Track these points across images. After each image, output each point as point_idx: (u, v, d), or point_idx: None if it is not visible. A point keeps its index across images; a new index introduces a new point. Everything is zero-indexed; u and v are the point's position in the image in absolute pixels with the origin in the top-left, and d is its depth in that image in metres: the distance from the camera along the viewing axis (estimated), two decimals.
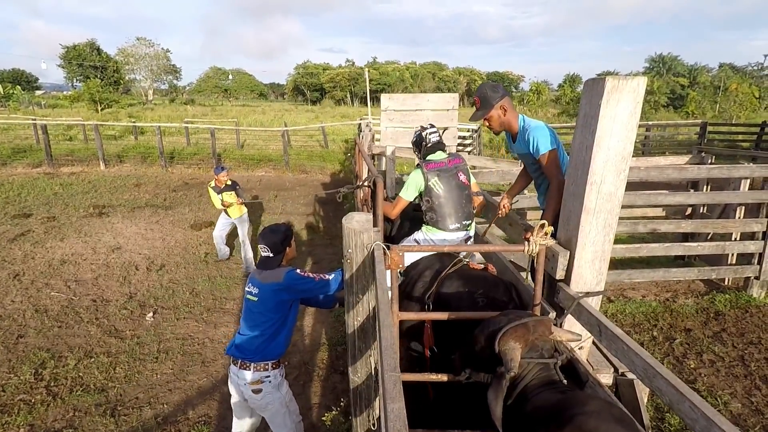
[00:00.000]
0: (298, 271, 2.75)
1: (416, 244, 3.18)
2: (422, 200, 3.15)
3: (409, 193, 3.17)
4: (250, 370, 2.66)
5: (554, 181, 2.66)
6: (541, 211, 2.95)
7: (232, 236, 7.35)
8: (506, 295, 2.51)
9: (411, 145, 3.46)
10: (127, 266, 6.76)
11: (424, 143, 3.26)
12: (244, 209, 6.86)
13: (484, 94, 2.79)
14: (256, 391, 2.67)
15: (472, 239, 3.26)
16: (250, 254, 6.76)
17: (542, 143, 2.68)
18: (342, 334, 4.79)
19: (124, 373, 4.28)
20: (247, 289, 2.81)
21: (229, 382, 2.82)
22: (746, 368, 4.03)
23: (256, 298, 2.72)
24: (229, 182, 6.70)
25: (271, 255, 2.77)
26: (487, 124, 2.87)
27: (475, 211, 3.37)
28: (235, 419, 2.96)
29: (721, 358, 4.20)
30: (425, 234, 3.17)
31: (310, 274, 2.77)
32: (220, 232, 6.92)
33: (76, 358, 4.45)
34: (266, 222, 8.98)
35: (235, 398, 2.86)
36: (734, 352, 4.28)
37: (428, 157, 3.22)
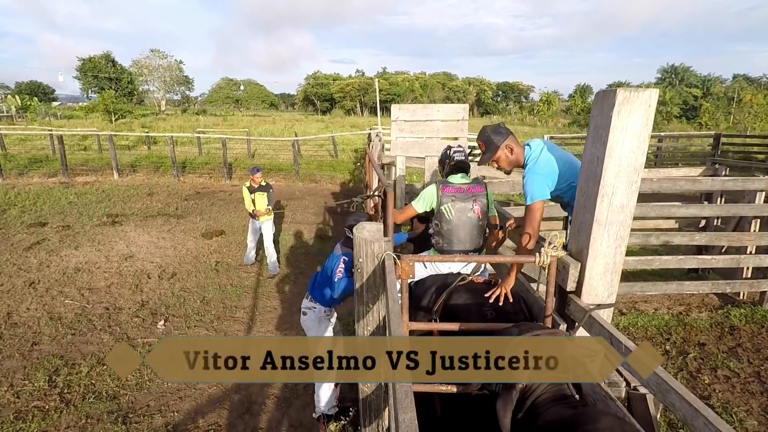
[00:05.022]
0: (344, 260, 3.38)
1: (424, 268, 3.12)
2: (432, 222, 3.12)
3: (418, 205, 3.16)
4: (307, 299, 3.68)
5: (525, 230, 2.57)
6: (556, 222, 2.93)
7: (259, 242, 7.48)
8: (514, 307, 2.50)
9: (436, 163, 3.49)
10: (139, 274, 6.83)
11: (447, 161, 3.22)
12: (271, 214, 7.13)
13: (487, 137, 2.72)
14: (304, 314, 3.68)
15: (481, 271, 3.02)
16: (274, 257, 7.09)
17: (527, 194, 2.58)
18: None
19: (136, 380, 4.31)
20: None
21: None
22: (762, 385, 3.95)
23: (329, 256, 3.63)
24: (263, 183, 7.05)
25: (351, 237, 3.45)
26: (496, 165, 2.79)
27: (490, 244, 3.23)
28: None
29: (737, 373, 4.12)
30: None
31: (341, 269, 3.38)
32: (252, 236, 7.21)
33: (89, 366, 4.50)
34: (283, 230, 9.04)
35: None
36: (750, 368, 4.20)
37: (449, 178, 3.17)
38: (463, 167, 3.20)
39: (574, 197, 2.69)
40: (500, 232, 3.20)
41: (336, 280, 3.36)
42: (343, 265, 3.38)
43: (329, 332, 3.75)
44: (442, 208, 3.03)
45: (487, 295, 2.54)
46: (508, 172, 2.86)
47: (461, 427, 2.24)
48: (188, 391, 4.19)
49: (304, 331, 3.78)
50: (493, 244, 3.24)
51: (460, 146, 3.27)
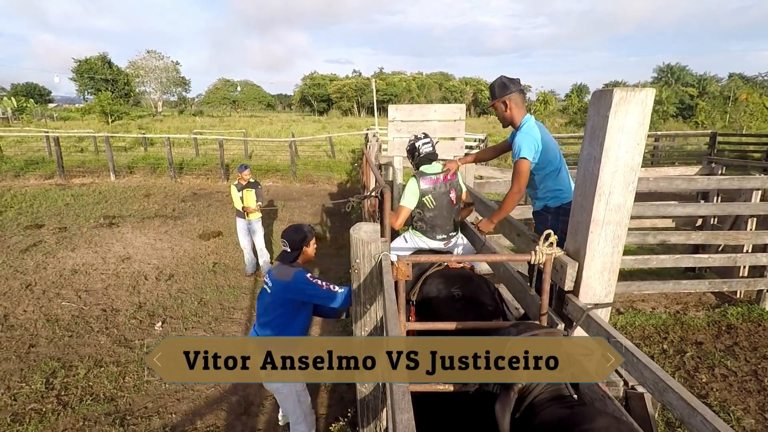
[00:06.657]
0: (308, 275, 2.87)
1: (405, 242, 3.39)
2: (414, 211, 3.31)
3: (409, 202, 3.28)
4: None
5: (512, 188, 2.85)
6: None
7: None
8: (480, 289, 2.68)
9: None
10: (136, 276, 6.81)
11: (416, 153, 3.38)
12: (259, 213, 6.97)
13: (494, 86, 2.99)
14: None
15: (458, 242, 3.45)
16: (267, 257, 7.07)
17: (517, 149, 2.81)
18: None
19: (133, 382, 4.30)
20: (265, 279, 3.06)
21: None
22: (759, 383, 3.96)
23: (269, 290, 2.95)
24: (251, 180, 6.95)
25: (289, 250, 2.99)
26: (494, 112, 3.06)
27: (462, 218, 3.56)
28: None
29: (734, 372, 4.13)
30: (412, 235, 3.38)
31: (319, 281, 2.87)
32: (245, 239, 6.97)
33: (86, 368, 4.48)
34: (276, 230, 9.02)
35: None
36: (747, 366, 4.21)
37: (422, 168, 3.33)
38: (432, 158, 3.38)
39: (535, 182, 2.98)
40: (471, 209, 3.64)
41: (335, 292, 2.84)
42: (317, 280, 2.86)
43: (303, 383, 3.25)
44: (423, 199, 3.24)
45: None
46: (504, 125, 3.08)
47: (457, 426, 2.24)
48: (186, 393, 4.18)
49: (274, 393, 3.30)
50: (465, 216, 3.60)
51: (426, 136, 3.42)
